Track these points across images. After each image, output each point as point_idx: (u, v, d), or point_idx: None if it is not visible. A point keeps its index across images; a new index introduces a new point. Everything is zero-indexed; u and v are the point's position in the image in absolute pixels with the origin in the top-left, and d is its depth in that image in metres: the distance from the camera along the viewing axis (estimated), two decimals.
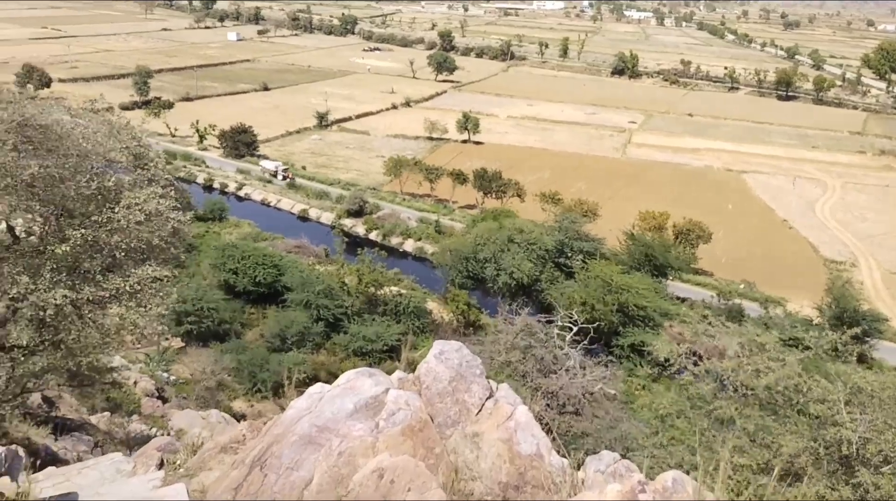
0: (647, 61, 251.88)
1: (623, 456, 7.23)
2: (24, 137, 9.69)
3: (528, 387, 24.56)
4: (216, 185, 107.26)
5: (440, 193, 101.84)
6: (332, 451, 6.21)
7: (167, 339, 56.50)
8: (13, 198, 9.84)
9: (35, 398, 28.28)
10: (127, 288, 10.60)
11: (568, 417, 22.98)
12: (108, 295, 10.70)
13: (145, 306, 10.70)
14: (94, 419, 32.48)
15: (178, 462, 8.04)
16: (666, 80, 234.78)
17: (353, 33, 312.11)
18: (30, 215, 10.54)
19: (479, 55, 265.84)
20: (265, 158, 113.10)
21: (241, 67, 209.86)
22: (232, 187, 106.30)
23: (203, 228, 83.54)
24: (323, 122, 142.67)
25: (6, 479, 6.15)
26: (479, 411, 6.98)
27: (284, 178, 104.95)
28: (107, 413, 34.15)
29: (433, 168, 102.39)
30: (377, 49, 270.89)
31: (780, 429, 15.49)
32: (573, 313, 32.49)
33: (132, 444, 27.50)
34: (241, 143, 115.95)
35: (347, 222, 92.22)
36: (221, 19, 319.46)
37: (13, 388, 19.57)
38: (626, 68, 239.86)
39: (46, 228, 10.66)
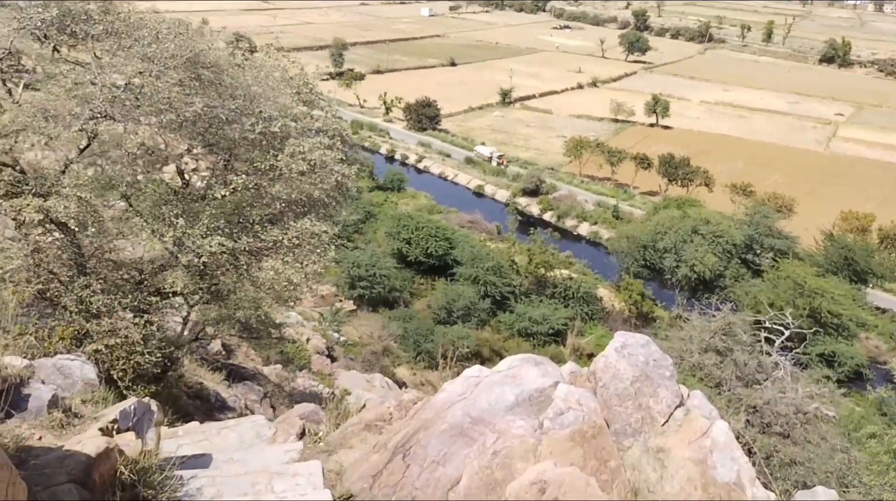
0: (860, 49, 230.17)
1: (842, 494, 5.71)
2: (192, 73, 9.49)
3: (725, 398, 21.13)
4: (397, 156, 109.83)
5: (621, 177, 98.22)
6: (485, 449, 5.26)
7: (340, 301, 58.37)
8: (176, 136, 9.70)
9: (216, 345, 29.70)
10: (285, 242, 10.20)
11: (773, 439, 19.29)
12: (264, 247, 10.36)
13: (301, 262, 10.25)
14: (266, 370, 33.72)
15: (321, 433, 7.47)
16: (881, 70, 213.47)
17: (543, 10, 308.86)
18: (198, 160, 10.40)
19: (675, 36, 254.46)
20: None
21: (430, 42, 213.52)
22: (412, 159, 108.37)
23: (382, 197, 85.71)
24: (506, 99, 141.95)
25: (131, 435, 5.74)
26: (667, 421, 5.74)
27: (499, 164, 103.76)
28: (278, 366, 35.37)
29: (616, 151, 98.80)
30: (567, 27, 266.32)
31: None
32: (785, 313, 28.73)
33: (297, 399, 28.23)
34: (424, 116, 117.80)
35: (522, 201, 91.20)
36: None
37: (189, 335, 20.34)
38: (835, 56, 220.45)
39: (214, 173, 10.49)
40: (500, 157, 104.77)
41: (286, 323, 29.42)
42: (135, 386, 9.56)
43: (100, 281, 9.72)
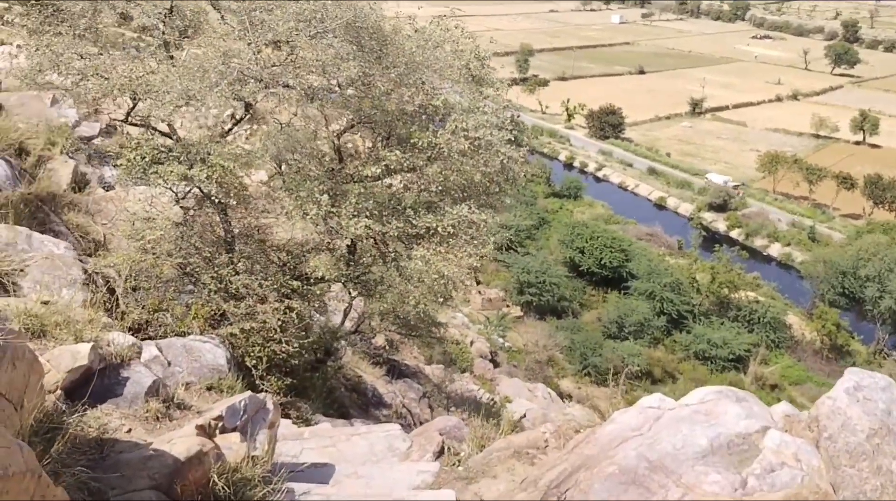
0: None
1: None
2: (350, 36, 8.73)
3: None
4: (576, 163, 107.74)
5: (819, 196, 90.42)
6: None
7: (507, 306, 57.61)
8: (331, 107, 8.98)
9: (380, 340, 29.63)
10: (439, 230, 9.17)
11: None
12: (416, 235, 9.40)
13: (455, 255, 9.21)
14: (427, 369, 33.33)
15: (462, 454, 6.38)
16: None
17: (742, 20, 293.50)
18: (357, 136, 9.65)
19: (889, 49, 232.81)
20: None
21: (619, 50, 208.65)
22: (591, 167, 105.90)
23: (557, 204, 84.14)
24: (696, 109, 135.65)
25: (236, 437, 4.94)
26: None
27: (736, 193, 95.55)
28: (440, 366, 34.92)
29: (815, 168, 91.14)
30: (767, 37, 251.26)
31: None
32: None
33: (455, 401, 27.51)
34: (607, 124, 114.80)
35: (707, 216, 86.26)
36: (608, 1, 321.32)
37: (350, 326, 20.04)
38: None
39: (370, 150, 9.69)
40: (736, 186, 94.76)
41: (449, 323, 28.74)
42: (269, 377, 8.97)
43: (243, 260, 9.23)
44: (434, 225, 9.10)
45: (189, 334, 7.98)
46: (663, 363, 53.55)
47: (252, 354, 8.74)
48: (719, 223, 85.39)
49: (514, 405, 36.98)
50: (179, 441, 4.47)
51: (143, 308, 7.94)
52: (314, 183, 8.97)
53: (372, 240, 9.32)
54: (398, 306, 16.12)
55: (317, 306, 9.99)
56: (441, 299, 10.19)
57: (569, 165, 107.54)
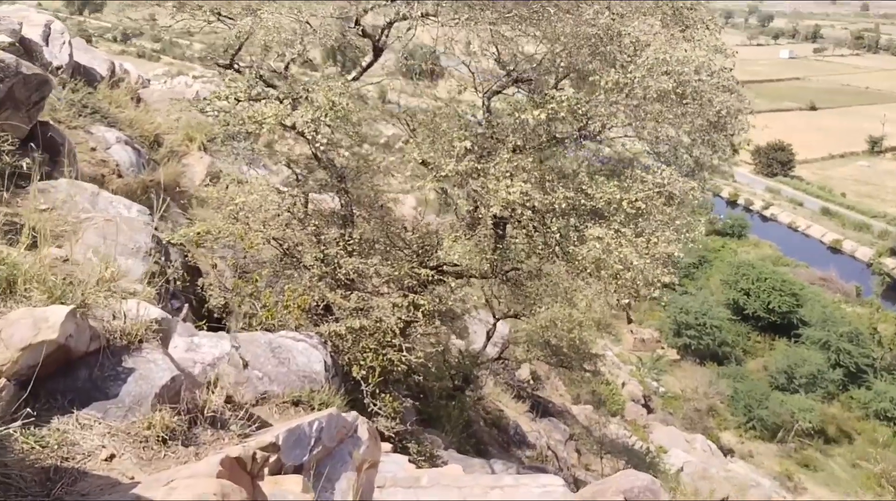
0: None
1: None
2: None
3: None
4: (741, 201, 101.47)
5: None
6: None
7: (662, 348, 54.08)
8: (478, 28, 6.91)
9: (524, 371, 27.44)
10: (624, 205, 6.72)
11: None
12: (591, 209, 7.00)
13: (646, 239, 6.74)
14: (575, 409, 30.87)
15: None
16: None
17: None
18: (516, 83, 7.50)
19: None
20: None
21: (788, 85, 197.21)
22: (758, 205, 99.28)
23: (720, 242, 78.93)
24: (875, 147, 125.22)
25: (296, 481, 2.95)
26: None
27: None
28: (589, 407, 32.36)
29: None
30: None
31: None
32: None
33: (606, 448, 24.76)
34: (775, 160, 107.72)
35: (889, 262, 78.08)
36: (776, 37, 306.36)
37: (493, 351, 17.95)
38: None
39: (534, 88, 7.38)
40: None
41: (602, 357, 26.15)
42: (383, 395, 6.93)
43: (356, 239, 7.29)
44: (618, 197, 6.77)
45: (281, 329, 6.16)
46: (838, 420, 48.57)
47: (362, 362, 6.75)
48: None
49: (670, 456, 33.63)
50: (184, 486, 2.53)
51: (224, 291, 6.21)
52: (454, 134, 6.89)
53: (529, 213, 7.03)
54: (550, 329, 13.89)
55: (451, 309, 7.77)
56: (625, 301, 7.74)
57: (732, 202, 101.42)
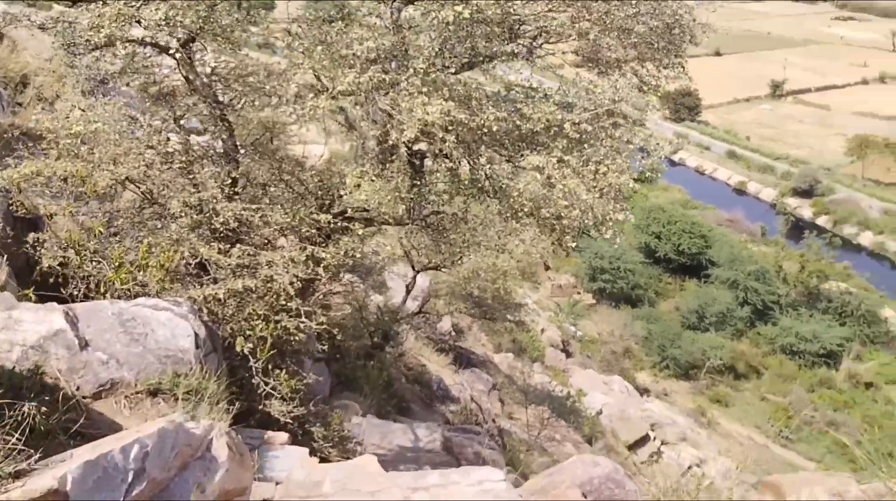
0: None
1: None
2: None
3: None
4: (650, 147, 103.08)
5: None
6: None
7: (578, 293, 54.47)
8: None
9: (446, 324, 26.68)
10: (567, 127, 5.54)
11: None
12: (527, 134, 5.84)
13: (595, 169, 5.60)
14: (497, 358, 30.46)
15: None
16: None
17: (824, 0, 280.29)
18: None
19: None
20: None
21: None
22: (666, 150, 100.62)
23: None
24: (776, 92, 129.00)
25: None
26: None
27: None
28: (510, 355, 32.03)
29: None
30: (851, 18, 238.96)
31: None
32: None
33: (531, 398, 24.34)
34: (682, 106, 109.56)
35: (791, 202, 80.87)
36: None
37: (413, 306, 16.97)
38: None
39: None
40: None
41: (525, 306, 25.54)
42: (277, 371, 5.68)
43: (237, 179, 5.93)
44: (557, 118, 5.63)
45: (140, 296, 4.86)
46: (747, 357, 50.16)
47: (249, 332, 5.46)
48: (804, 210, 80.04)
49: (589, 399, 33.77)
50: None
51: (63, 248, 4.87)
52: (352, 34, 5.60)
53: (453, 140, 5.79)
54: (473, 280, 12.96)
55: (357, 257, 6.49)
56: (572, 244, 6.72)
57: (641, 149, 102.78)
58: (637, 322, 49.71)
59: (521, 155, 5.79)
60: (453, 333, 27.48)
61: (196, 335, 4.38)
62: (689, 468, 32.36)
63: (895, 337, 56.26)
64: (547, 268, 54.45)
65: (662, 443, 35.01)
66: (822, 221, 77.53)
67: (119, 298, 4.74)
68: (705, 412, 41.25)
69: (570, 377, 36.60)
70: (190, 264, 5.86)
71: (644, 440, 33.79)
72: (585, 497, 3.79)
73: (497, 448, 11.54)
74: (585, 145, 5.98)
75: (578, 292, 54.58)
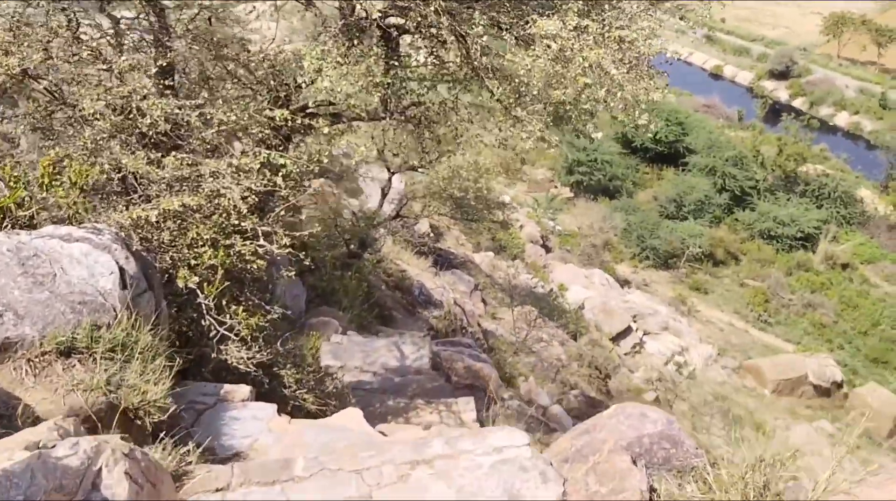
0: None
1: None
2: None
3: None
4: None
5: (889, 61, 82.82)
6: None
7: (556, 187, 53.83)
8: None
9: (423, 226, 25.93)
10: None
11: None
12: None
13: (612, 34, 4.46)
14: (477, 257, 29.95)
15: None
16: None
17: None
18: None
19: None
20: None
21: None
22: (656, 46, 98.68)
23: None
24: None
25: None
26: None
27: None
28: (490, 254, 31.54)
29: (885, 30, 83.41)
30: None
31: None
32: None
33: (514, 295, 23.92)
34: None
35: (768, 85, 79.72)
36: None
37: (390, 210, 16.08)
38: None
39: None
40: None
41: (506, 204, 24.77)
42: (234, 306, 4.73)
43: (167, 66, 4.79)
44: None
45: (46, 224, 3.85)
46: (726, 243, 50.04)
47: (193, 262, 4.44)
48: (780, 92, 79.04)
49: (571, 293, 33.63)
50: None
51: None
52: None
53: (439, 5, 4.61)
54: (454, 180, 12.06)
55: (323, 163, 5.38)
56: (597, 134, 5.73)
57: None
58: (616, 214, 49.30)
59: (527, 21, 4.68)
60: (432, 234, 26.78)
61: (122, 270, 3.40)
62: (672, 356, 32.64)
63: (871, 217, 56.60)
64: (523, 162, 53.50)
65: (645, 333, 35.20)
66: (798, 102, 76.63)
67: (19, 228, 3.74)
68: (685, 301, 41.46)
69: (551, 273, 36.40)
70: (112, 180, 4.79)
71: (627, 331, 33.89)
72: (635, 463, 2.98)
73: (488, 361, 10.99)
74: (606, 5, 4.87)
75: (556, 187, 53.91)
